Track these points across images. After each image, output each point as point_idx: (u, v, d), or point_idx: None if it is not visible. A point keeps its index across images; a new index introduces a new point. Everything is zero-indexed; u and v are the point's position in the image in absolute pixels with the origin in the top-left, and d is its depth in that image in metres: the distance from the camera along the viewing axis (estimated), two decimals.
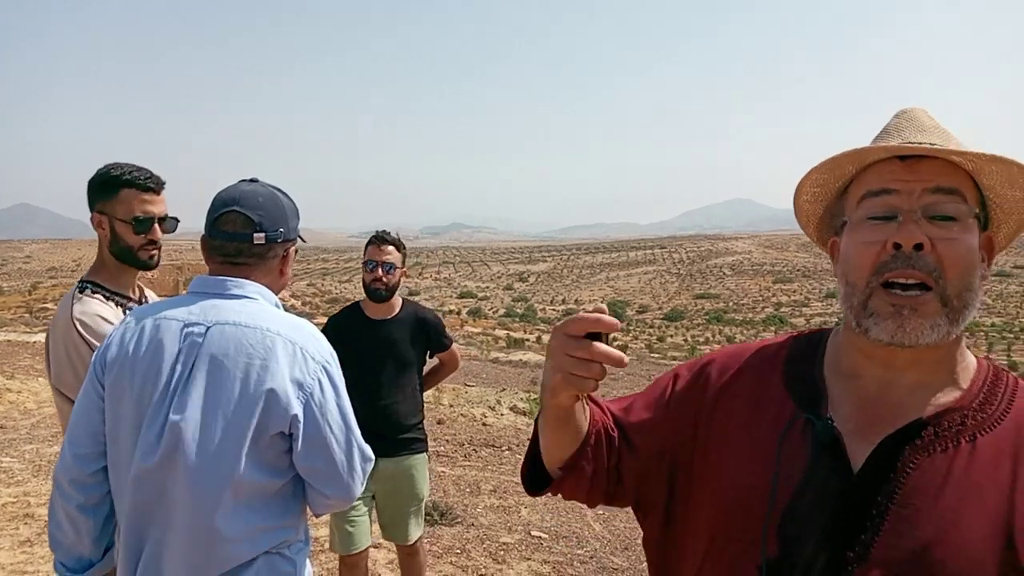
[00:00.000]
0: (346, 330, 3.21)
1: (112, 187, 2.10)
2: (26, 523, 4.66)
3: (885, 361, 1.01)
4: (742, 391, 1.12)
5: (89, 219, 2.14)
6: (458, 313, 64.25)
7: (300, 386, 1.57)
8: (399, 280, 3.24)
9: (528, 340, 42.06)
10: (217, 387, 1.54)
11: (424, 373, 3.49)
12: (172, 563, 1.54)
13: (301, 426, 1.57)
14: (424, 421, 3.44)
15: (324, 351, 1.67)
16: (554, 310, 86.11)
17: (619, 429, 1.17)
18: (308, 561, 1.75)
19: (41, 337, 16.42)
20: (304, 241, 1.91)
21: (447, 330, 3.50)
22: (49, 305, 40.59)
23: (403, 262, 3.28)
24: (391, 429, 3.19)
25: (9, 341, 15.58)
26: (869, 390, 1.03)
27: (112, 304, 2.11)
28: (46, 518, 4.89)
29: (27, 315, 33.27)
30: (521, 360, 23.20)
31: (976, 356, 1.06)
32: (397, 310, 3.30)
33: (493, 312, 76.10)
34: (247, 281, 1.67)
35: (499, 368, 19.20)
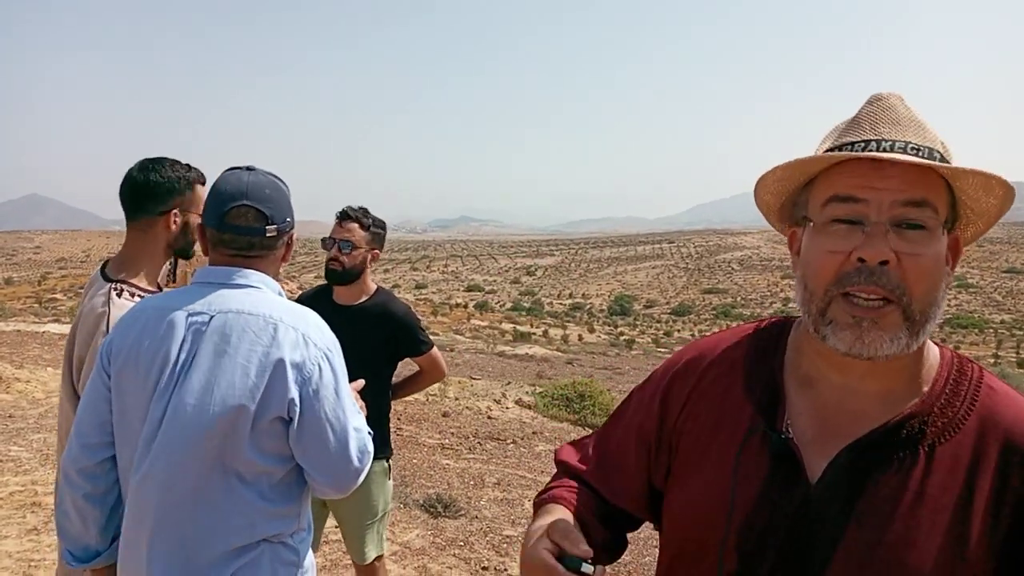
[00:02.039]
0: None
1: (190, 184, 2.17)
2: (33, 512, 4.69)
3: (843, 367, 0.97)
4: (705, 398, 1.09)
5: (158, 218, 2.13)
6: (465, 306, 64.33)
7: (300, 370, 1.58)
8: (362, 262, 2.89)
9: (535, 334, 42.09)
10: (220, 372, 1.55)
11: (401, 380, 3.15)
12: (176, 543, 1.55)
13: (298, 410, 1.58)
14: (389, 426, 3.06)
15: (327, 339, 1.68)
16: (561, 304, 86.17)
17: (615, 497, 1.16)
18: (310, 550, 1.76)
19: (50, 327, 16.54)
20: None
21: (423, 332, 3.05)
22: (58, 296, 40.84)
23: (370, 242, 2.92)
24: None
25: (19, 331, 15.67)
26: (828, 398, 0.99)
27: None
28: (53, 507, 4.92)
29: (36, 305, 33.50)
30: (527, 354, 23.23)
31: (941, 347, 1.02)
32: (366, 297, 2.96)
33: (500, 306, 76.18)
34: (251, 271, 1.69)
35: (505, 361, 19.23)
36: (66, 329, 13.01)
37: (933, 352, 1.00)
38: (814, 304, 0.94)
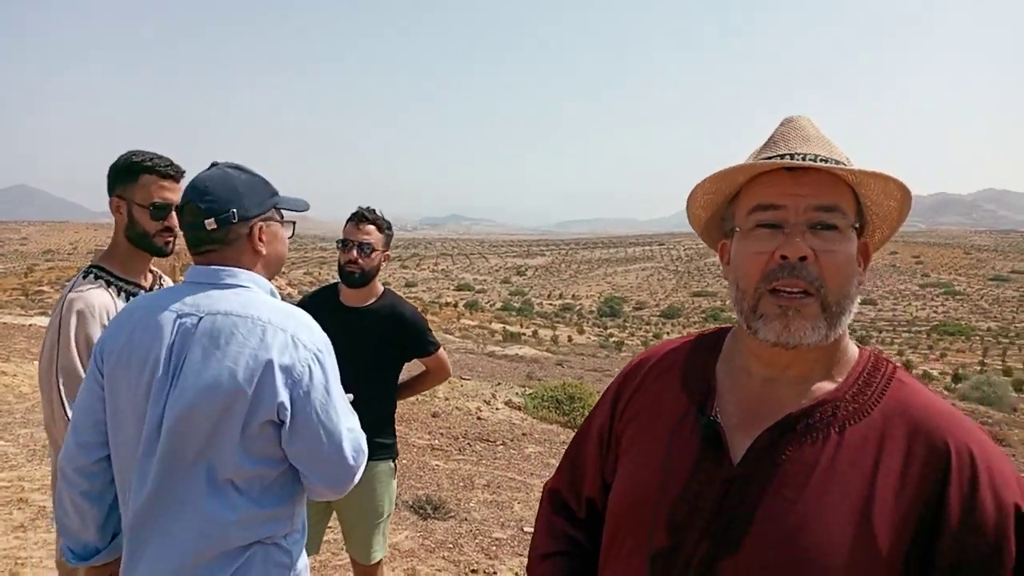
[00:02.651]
0: (315, 314, 2.53)
1: (133, 172, 2.15)
2: (20, 508, 4.66)
3: (770, 360, 1.10)
4: (648, 394, 1.23)
5: (108, 203, 2.18)
6: (455, 305, 64.25)
7: (289, 372, 1.58)
8: (378, 264, 2.90)
9: (524, 334, 42.08)
10: (208, 374, 1.55)
11: (408, 379, 3.17)
12: (172, 547, 1.56)
13: (288, 412, 1.58)
14: (394, 426, 3.05)
15: (317, 340, 1.67)
16: (551, 304, 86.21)
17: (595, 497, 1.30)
18: (304, 552, 1.77)
19: (37, 320, 16.40)
20: (282, 217, 1.82)
21: (430, 333, 3.07)
22: (45, 288, 40.51)
23: (385, 244, 2.93)
24: None
25: (5, 324, 15.53)
26: (754, 387, 1.12)
27: (114, 291, 2.14)
28: (40, 503, 4.88)
29: (23, 298, 33.22)
30: (517, 354, 23.23)
31: (861, 347, 1.13)
32: (374, 299, 2.95)
33: (490, 305, 76.12)
34: (240, 270, 1.68)
35: (495, 362, 19.21)
36: None
37: (852, 351, 1.12)
38: (746, 302, 1.07)
